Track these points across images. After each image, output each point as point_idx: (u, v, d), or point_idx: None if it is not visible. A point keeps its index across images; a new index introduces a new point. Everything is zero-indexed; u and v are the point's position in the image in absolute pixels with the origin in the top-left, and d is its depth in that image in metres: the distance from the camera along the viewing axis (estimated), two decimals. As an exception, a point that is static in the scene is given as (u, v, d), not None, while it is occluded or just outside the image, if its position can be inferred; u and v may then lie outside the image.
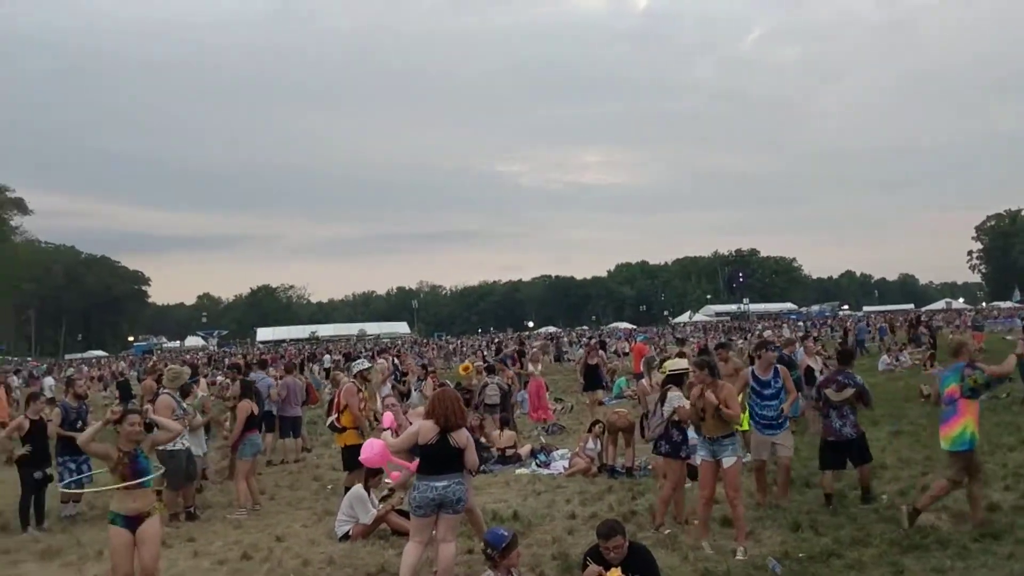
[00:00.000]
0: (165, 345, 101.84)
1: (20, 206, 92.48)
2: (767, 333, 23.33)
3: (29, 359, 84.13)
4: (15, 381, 27.96)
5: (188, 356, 66.21)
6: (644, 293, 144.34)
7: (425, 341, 79.14)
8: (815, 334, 31.73)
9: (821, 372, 13.40)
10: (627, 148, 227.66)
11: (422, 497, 6.69)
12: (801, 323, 67.52)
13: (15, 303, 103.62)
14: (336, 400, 11.19)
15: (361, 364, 11.82)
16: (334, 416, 10.96)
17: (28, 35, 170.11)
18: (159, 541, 6.61)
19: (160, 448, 9.76)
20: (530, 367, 18.84)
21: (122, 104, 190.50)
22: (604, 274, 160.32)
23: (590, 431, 12.56)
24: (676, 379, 8.51)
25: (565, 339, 53.59)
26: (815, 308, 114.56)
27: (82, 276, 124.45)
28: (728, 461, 7.54)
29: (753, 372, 9.42)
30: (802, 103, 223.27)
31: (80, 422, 10.68)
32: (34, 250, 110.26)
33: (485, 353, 28.72)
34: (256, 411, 10.86)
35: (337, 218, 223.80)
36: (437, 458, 6.74)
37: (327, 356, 43.95)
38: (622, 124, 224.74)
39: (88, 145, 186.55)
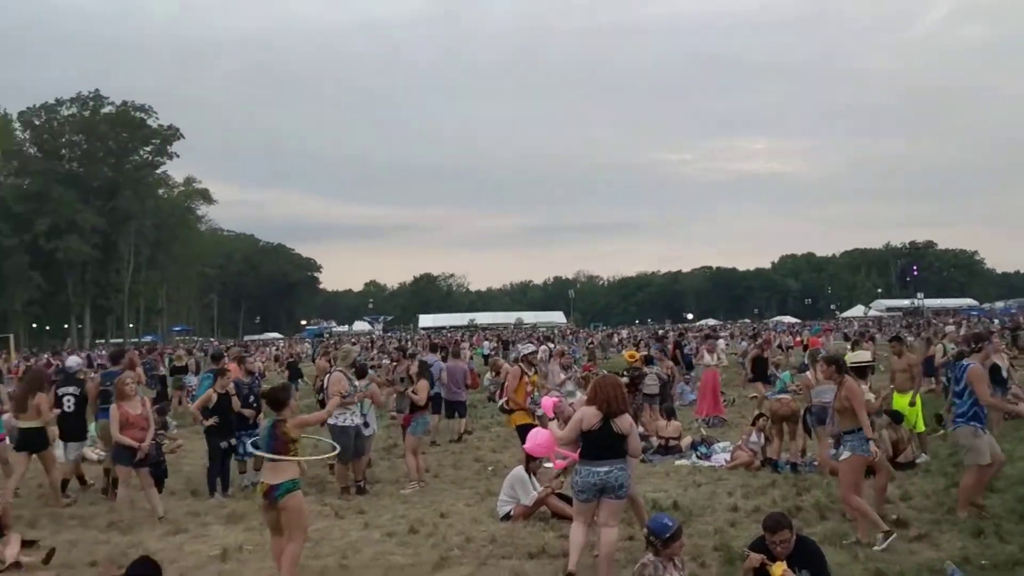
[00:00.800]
0: (334, 329, 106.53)
1: (206, 196, 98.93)
2: (948, 328, 21.97)
3: (212, 339, 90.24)
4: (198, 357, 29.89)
5: (355, 340, 68.96)
6: (810, 286, 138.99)
7: (582, 331, 79.26)
8: (997, 331, 29.53)
9: (1007, 372, 12.52)
10: (794, 136, 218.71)
11: (584, 482, 6.74)
12: (981, 319, 63.09)
13: (200, 287, 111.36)
14: (505, 384, 11.46)
15: (527, 348, 12.02)
16: (503, 400, 11.21)
17: (217, 39, 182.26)
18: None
19: (332, 423, 10.36)
20: (706, 358, 18.48)
21: (299, 102, 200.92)
22: (768, 266, 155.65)
23: (754, 424, 12.27)
24: (860, 371, 8.26)
25: (723, 332, 52.33)
26: (999, 304, 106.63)
27: (260, 263, 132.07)
28: (843, 455, 7.56)
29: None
30: (987, 87, 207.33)
31: (252, 397, 11.45)
32: (217, 238, 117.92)
33: (644, 344, 28.51)
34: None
35: (497, 210, 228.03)
36: (599, 444, 6.76)
37: (486, 343, 44.89)
38: (789, 111, 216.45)
39: (266, 140, 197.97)
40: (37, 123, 77.99)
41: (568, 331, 71.28)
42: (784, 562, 5.56)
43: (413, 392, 11.06)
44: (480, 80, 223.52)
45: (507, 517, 8.89)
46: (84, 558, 7.81)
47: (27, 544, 8.00)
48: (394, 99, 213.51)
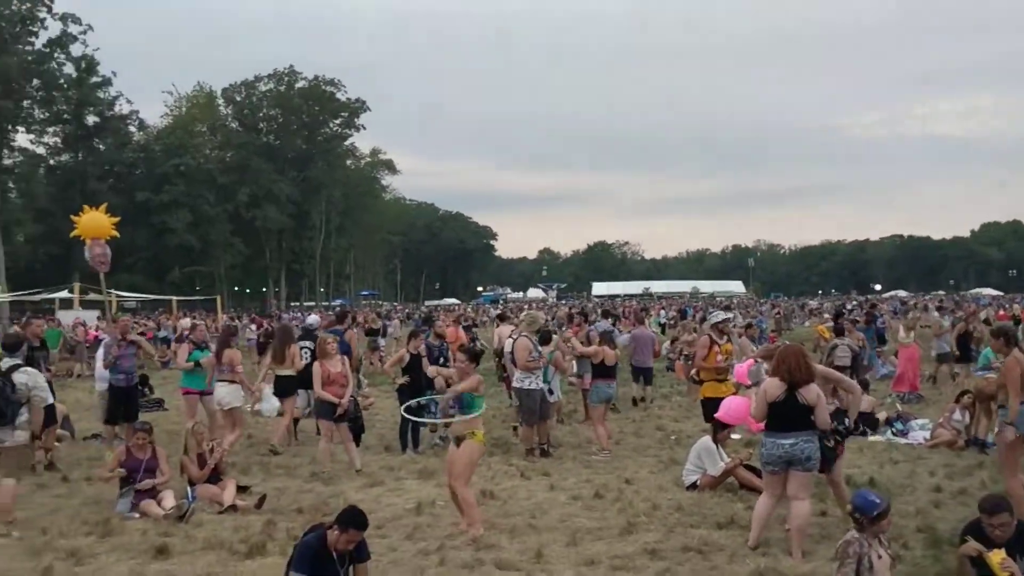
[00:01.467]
0: (509, 296, 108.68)
1: (390, 166, 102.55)
2: None
3: (396, 304, 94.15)
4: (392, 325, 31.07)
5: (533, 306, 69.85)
6: (1015, 256, 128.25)
7: (762, 301, 76.86)
8: None
9: None
10: (997, 94, 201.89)
11: (769, 454, 6.59)
12: None
13: (385, 254, 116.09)
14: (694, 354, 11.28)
15: (717, 316, 11.76)
16: (693, 370, 11.04)
17: (406, 10, 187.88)
18: (465, 460, 7.28)
19: (518, 387, 10.59)
20: (901, 334, 17.45)
21: (469, 73, 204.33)
22: (967, 234, 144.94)
23: (957, 401, 11.50)
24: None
25: (913, 304, 49.20)
26: None
27: (440, 231, 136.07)
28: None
29: None
30: None
31: (442, 358, 11.90)
32: (400, 207, 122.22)
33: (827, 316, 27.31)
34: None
35: (672, 177, 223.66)
36: (784, 415, 6.55)
37: (662, 312, 44.39)
38: (992, 68, 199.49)
39: (445, 110, 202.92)
40: (238, 99, 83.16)
41: (748, 301, 69.27)
42: (1003, 549, 5.18)
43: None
44: (667, 43, 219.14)
45: (693, 486, 8.78)
46: (291, 504, 8.35)
47: (241, 489, 8.66)
48: (579, 64, 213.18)
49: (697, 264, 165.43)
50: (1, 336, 9.84)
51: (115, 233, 11.32)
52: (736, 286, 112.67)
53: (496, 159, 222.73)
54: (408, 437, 11.24)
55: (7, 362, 7.84)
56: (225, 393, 11.13)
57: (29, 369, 7.84)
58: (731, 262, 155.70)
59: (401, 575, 6.22)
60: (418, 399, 11.20)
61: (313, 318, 15.65)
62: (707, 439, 9.03)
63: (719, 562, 6.50)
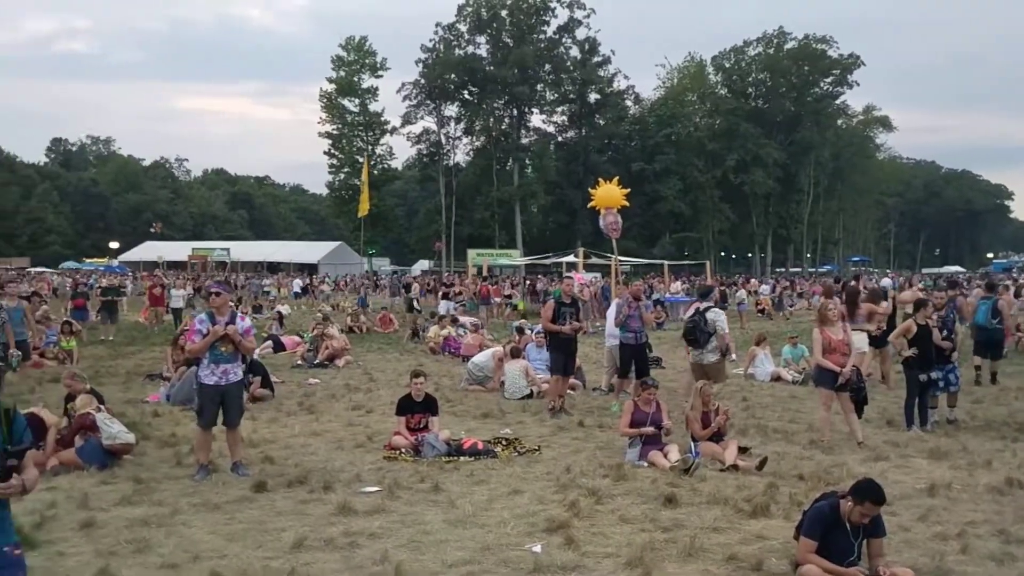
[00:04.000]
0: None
1: (885, 124, 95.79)
2: None
3: (888, 271, 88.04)
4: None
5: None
6: None
7: None
8: None
9: None
10: None
11: None
12: None
13: (877, 217, 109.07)
14: None
15: None
16: None
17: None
18: None
19: None
20: None
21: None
22: None
23: None
24: None
25: None
26: None
27: (941, 190, 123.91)
28: None
29: None
30: None
31: (946, 331, 11.07)
32: (895, 166, 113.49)
33: None
34: None
35: None
36: None
37: None
38: None
39: (951, 61, 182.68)
40: (727, 66, 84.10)
41: None
42: None
43: None
44: None
45: None
46: (792, 470, 8.28)
47: (742, 451, 8.83)
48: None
49: None
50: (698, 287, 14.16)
51: (626, 203, 12.24)
52: None
53: (1016, 109, 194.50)
54: (915, 413, 10.49)
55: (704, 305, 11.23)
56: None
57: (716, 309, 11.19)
58: None
59: (917, 557, 5.85)
60: (928, 373, 10.41)
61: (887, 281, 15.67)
62: None
63: None
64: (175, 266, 60.93)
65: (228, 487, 7.59)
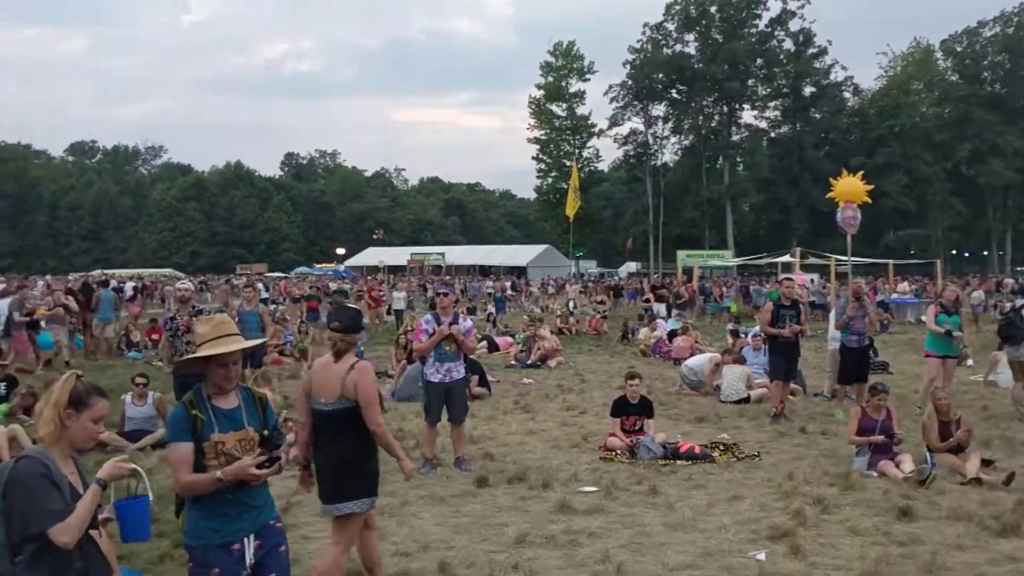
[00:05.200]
0: None
1: None
2: None
3: None
4: None
5: None
6: None
7: None
8: None
9: None
10: None
11: None
12: None
13: None
14: None
15: None
16: None
17: None
18: None
19: None
20: None
21: None
22: None
23: None
24: None
25: None
26: None
27: None
28: None
29: None
30: None
31: None
32: None
33: None
34: None
35: None
36: None
37: None
38: None
39: None
40: (959, 49, 77.74)
41: None
42: None
43: None
44: None
45: None
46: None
47: (985, 463, 8.16)
48: None
49: None
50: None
51: (867, 199, 11.73)
52: None
53: None
54: None
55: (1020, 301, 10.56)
56: None
57: None
58: None
59: None
60: None
61: None
62: None
63: None
64: (395, 270, 64.17)
65: (452, 481, 7.93)
